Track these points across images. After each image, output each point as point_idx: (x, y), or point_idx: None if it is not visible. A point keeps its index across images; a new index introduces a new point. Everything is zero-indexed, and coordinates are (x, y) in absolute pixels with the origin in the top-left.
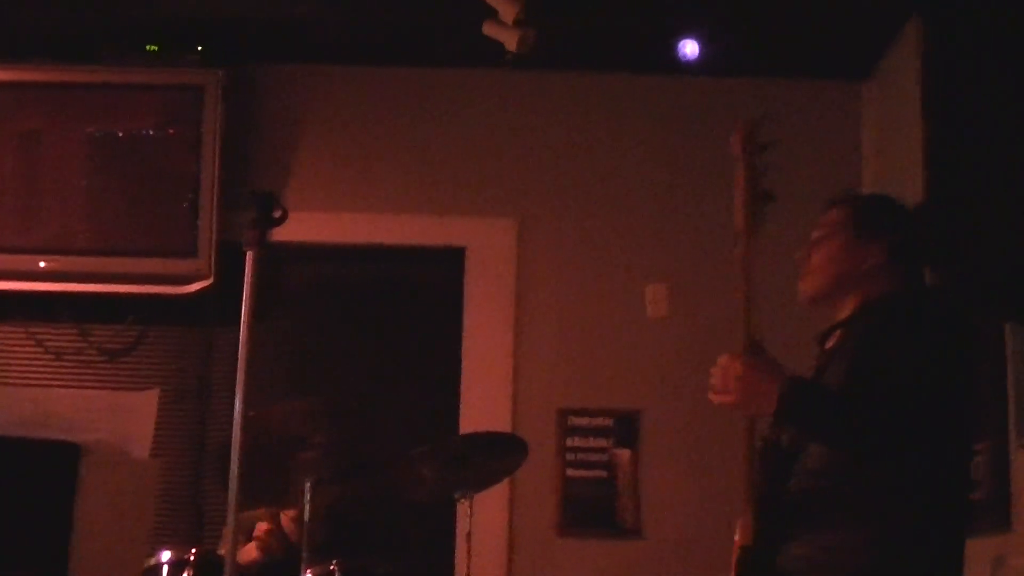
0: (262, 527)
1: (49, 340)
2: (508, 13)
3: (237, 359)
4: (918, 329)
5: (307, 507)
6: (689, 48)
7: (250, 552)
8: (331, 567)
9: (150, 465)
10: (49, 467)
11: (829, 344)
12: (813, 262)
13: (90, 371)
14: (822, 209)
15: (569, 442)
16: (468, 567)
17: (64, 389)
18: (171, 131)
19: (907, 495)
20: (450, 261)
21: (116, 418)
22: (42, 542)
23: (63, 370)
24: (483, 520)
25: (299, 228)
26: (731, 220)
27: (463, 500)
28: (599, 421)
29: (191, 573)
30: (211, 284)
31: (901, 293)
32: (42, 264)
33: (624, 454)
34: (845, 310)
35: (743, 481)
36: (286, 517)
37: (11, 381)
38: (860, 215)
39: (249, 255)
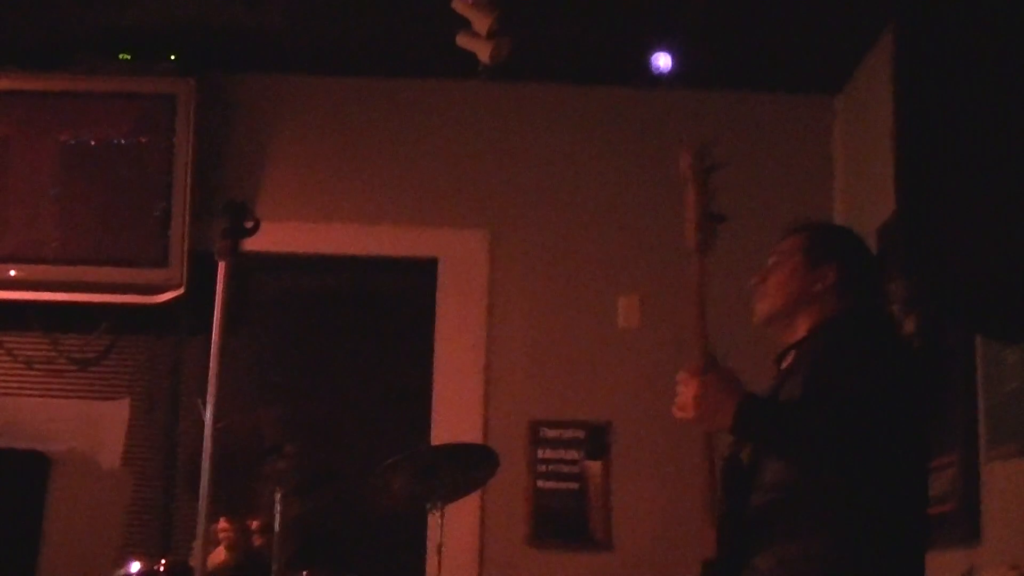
0: (222, 525)
1: (19, 349)
2: (482, 24)
3: (207, 369)
4: (864, 346)
5: (278, 517)
6: (662, 61)
7: (219, 555)
8: None
9: (121, 475)
10: (18, 477)
11: (784, 364)
12: (768, 285)
13: (60, 380)
14: (779, 238)
15: (540, 454)
16: None
17: (34, 398)
18: (143, 140)
19: (861, 507)
20: (422, 272)
21: (86, 428)
22: (10, 552)
23: (33, 379)
24: (454, 531)
25: (271, 238)
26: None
27: (434, 511)
28: (570, 433)
29: None
30: (182, 294)
31: (849, 314)
32: (12, 273)
33: (595, 466)
34: (799, 331)
35: (704, 497)
36: (254, 527)
37: None
38: (811, 241)
39: (221, 265)
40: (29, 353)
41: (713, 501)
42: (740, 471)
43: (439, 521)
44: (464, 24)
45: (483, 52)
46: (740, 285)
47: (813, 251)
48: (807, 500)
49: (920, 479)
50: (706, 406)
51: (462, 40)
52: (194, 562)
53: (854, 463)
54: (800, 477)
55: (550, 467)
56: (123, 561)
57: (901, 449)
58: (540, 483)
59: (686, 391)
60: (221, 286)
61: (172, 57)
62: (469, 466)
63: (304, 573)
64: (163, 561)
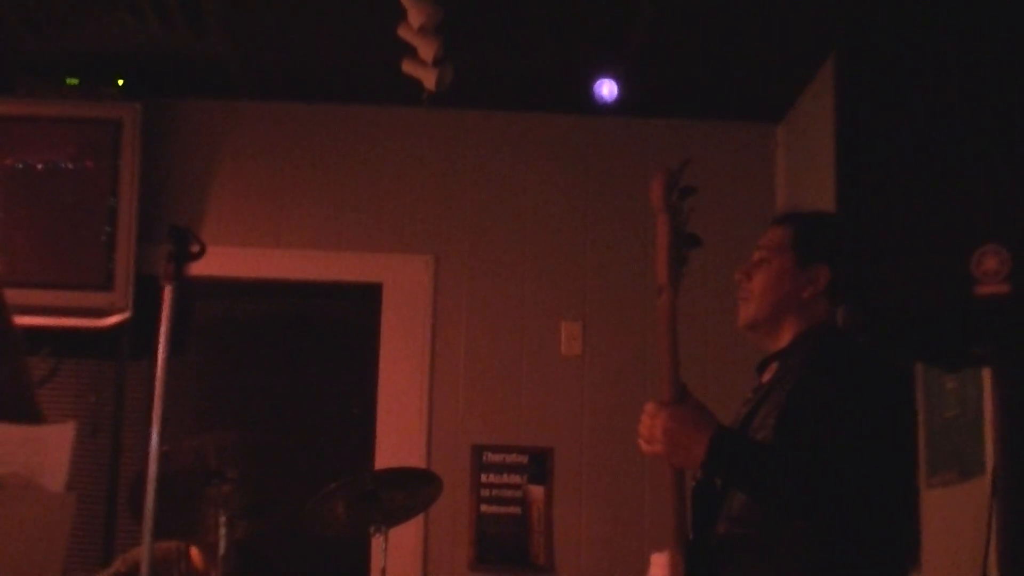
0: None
1: None
2: (427, 52)
3: (151, 392)
4: (848, 380)
5: (223, 541)
6: (606, 89)
7: None
8: None
9: (65, 498)
10: None
11: (766, 376)
12: (754, 286)
13: None
14: (767, 226)
15: (483, 478)
16: None
17: None
18: (89, 164)
19: (834, 546)
20: (367, 297)
21: (30, 451)
22: None
23: None
24: (397, 555)
25: (216, 263)
26: (645, 260)
27: (377, 535)
28: (513, 458)
29: None
30: (127, 317)
31: (835, 328)
32: None
33: (538, 491)
34: (783, 339)
35: (672, 519)
36: (195, 551)
37: None
38: (800, 237)
39: (166, 289)
40: None
41: (682, 526)
42: (711, 497)
43: (383, 545)
44: (410, 51)
45: (428, 79)
46: (683, 309)
47: (802, 248)
48: (776, 535)
49: (903, 513)
50: (675, 442)
51: (407, 67)
52: None
53: (827, 513)
54: (768, 514)
55: (493, 491)
56: None
57: (884, 491)
58: (483, 507)
59: (654, 423)
60: (166, 310)
61: (120, 83)
62: (413, 490)
63: None
64: None
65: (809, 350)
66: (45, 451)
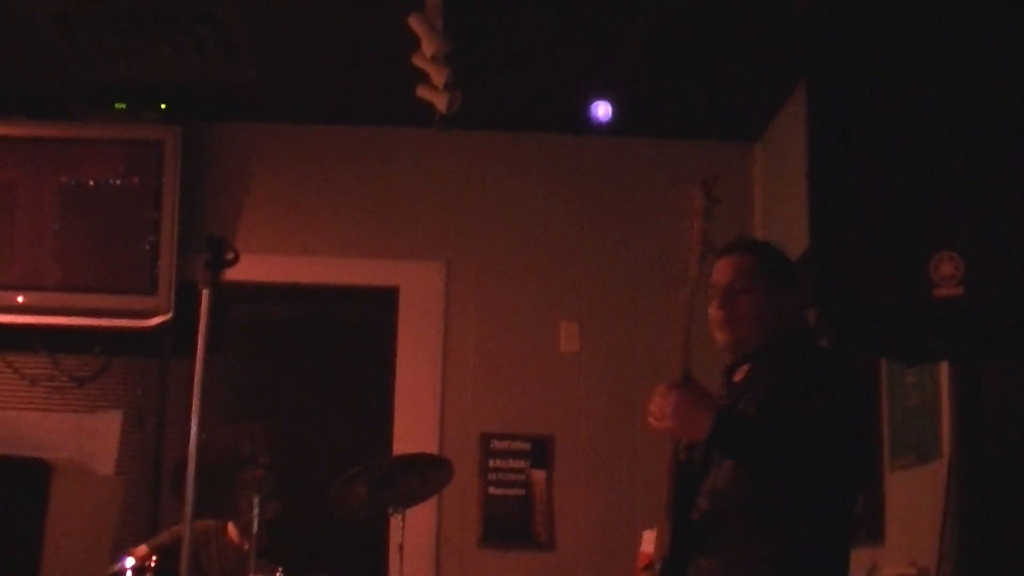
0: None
1: (24, 368)
2: (439, 78)
3: (191, 386)
4: (824, 370)
5: (256, 520)
6: (602, 110)
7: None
8: (276, 574)
9: (114, 480)
10: (22, 482)
11: (737, 377)
12: (739, 312)
13: (60, 396)
14: (725, 252)
15: (490, 463)
16: (400, 575)
17: (36, 412)
18: (134, 181)
19: (803, 517)
20: (385, 300)
21: (82, 438)
22: (15, 550)
23: (36, 395)
24: (413, 533)
25: (248, 269)
26: (636, 265)
27: (395, 515)
28: (517, 445)
29: None
30: (169, 319)
31: (799, 334)
32: (19, 299)
33: (540, 475)
34: (749, 346)
35: (666, 495)
36: (231, 528)
37: None
38: (770, 265)
39: (204, 293)
40: (32, 372)
41: (669, 502)
42: (694, 477)
43: (400, 524)
44: (423, 77)
45: (440, 102)
46: (668, 313)
47: (775, 275)
48: (752, 509)
49: (854, 493)
50: (683, 418)
51: (422, 91)
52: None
53: (814, 480)
54: (749, 488)
55: (499, 475)
56: (117, 558)
57: (849, 469)
58: (490, 490)
59: (665, 402)
60: (204, 312)
61: (163, 107)
62: (426, 474)
63: (278, 570)
64: (154, 557)
65: (780, 351)
66: (95, 438)
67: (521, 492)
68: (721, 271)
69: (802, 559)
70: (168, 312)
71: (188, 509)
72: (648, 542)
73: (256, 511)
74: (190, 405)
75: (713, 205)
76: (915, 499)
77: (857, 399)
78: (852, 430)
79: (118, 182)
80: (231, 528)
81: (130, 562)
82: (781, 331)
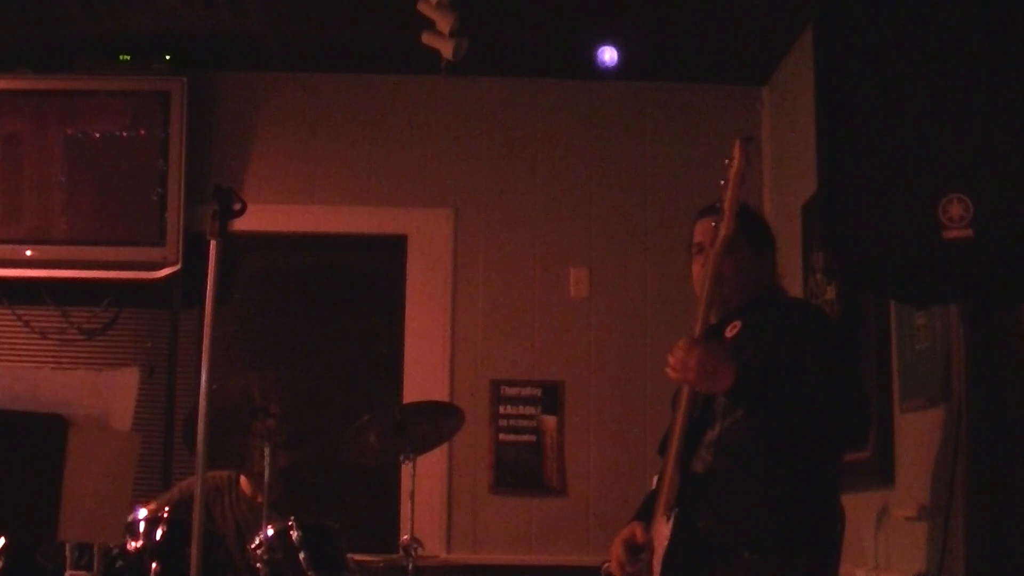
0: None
1: (34, 321)
2: (444, 24)
3: (200, 337)
4: (817, 324)
5: (267, 469)
6: (608, 55)
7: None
8: (288, 522)
9: (132, 437)
10: (39, 438)
11: (730, 333)
12: (724, 269)
13: (71, 348)
14: (708, 212)
15: (501, 410)
16: (412, 522)
17: (51, 368)
18: (141, 132)
19: (805, 464)
20: (393, 248)
21: (100, 395)
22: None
23: (47, 348)
24: (424, 480)
25: (256, 219)
26: (645, 210)
27: (406, 462)
28: (528, 391)
29: (164, 528)
30: (178, 270)
31: (778, 292)
32: (28, 253)
33: (550, 421)
34: (731, 303)
35: (675, 443)
36: (243, 478)
37: (2, 358)
38: (753, 228)
39: (212, 244)
40: (43, 324)
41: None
42: (698, 433)
43: (411, 471)
44: (428, 24)
45: (446, 49)
46: (676, 266)
47: (755, 238)
48: (755, 460)
49: (867, 427)
50: (706, 371)
51: (427, 38)
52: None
53: (824, 424)
54: (759, 440)
55: (510, 422)
56: (131, 508)
57: (865, 406)
58: (501, 436)
59: (687, 356)
60: (212, 263)
61: (167, 58)
62: (437, 421)
63: (291, 518)
64: (167, 508)
65: (768, 308)
66: (113, 395)
67: (532, 438)
68: (706, 231)
69: (805, 505)
70: (176, 263)
71: (200, 459)
72: None
73: (268, 460)
74: (200, 356)
75: (748, 164)
76: (925, 440)
77: (854, 346)
78: (856, 375)
79: (125, 134)
80: (243, 480)
81: (143, 513)
82: (761, 291)
